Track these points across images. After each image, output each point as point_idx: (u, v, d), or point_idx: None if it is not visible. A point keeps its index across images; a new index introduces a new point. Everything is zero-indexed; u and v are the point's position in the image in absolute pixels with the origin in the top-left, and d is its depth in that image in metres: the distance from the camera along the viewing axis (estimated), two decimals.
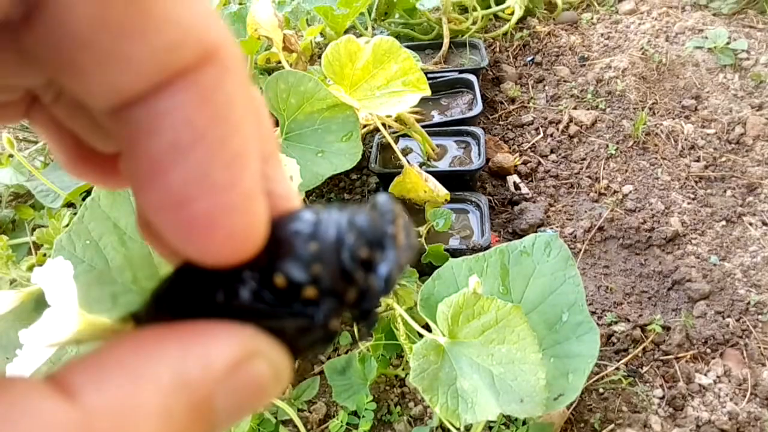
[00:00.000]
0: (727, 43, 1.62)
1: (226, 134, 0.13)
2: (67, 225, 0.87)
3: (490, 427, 0.86)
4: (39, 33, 0.11)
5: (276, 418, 0.87)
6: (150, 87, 0.12)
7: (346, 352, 0.96)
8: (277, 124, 0.93)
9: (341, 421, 0.86)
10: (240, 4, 1.30)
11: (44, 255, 1.04)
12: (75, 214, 0.93)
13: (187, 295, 0.15)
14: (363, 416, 0.86)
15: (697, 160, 1.35)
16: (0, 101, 0.14)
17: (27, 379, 0.11)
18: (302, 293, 0.14)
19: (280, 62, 1.03)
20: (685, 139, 1.41)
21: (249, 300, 0.14)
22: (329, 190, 1.31)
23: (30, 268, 0.99)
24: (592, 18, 1.84)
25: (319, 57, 0.96)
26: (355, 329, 0.95)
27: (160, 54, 0.11)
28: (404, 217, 0.16)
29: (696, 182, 1.31)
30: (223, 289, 0.14)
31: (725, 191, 1.29)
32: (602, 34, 1.76)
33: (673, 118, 1.46)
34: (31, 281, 0.63)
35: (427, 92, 0.98)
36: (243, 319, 0.14)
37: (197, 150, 0.12)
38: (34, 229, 1.16)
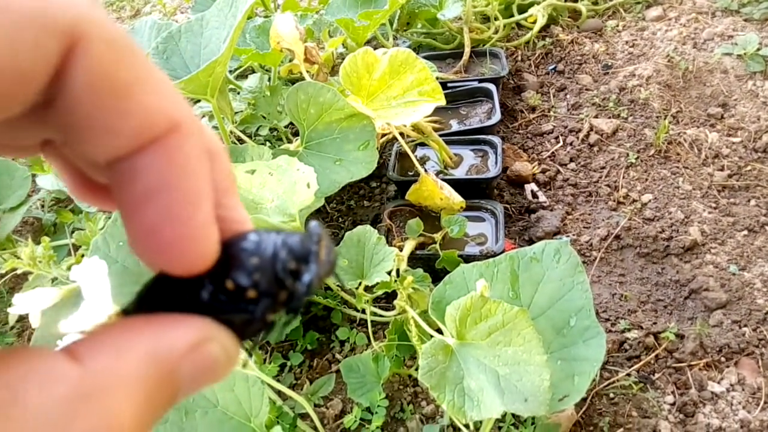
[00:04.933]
0: (758, 50, 1.60)
1: (185, 182, 0.18)
2: (103, 228, 0.94)
3: (500, 427, 0.88)
4: (57, 112, 0.16)
5: (294, 411, 0.91)
6: (131, 150, 0.17)
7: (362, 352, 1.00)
8: (297, 133, 0.98)
9: (355, 416, 0.90)
10: (266, 17, 1.36)
11: (82, 255, 1.11)
12: (110, 217, 0.99)
13: (162, 296, 0.20)
14: (376, 412, 0.90)
15: (721, 169, 1.34)
16: (24, 145, 0.19)
17: (49, 349, 0.16)
18: (246, 294, 0.19)
19: (302, 73, 1.08)
20: (709, 148, 1.40)
21: (207, 299, 0.19)
22: (349, 197, 1.35)
23: (69, 268, 1.06)
24: (617, 25, 1.83)
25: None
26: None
27: (138, 129, 0.17)
28: (328, 240, 0.21)
29: (719, 191, 1.30)
30: (188, 291, 0.19)
31: (749, 200, 1.27)
32: (627, 42, 1.76)
33: (698, 127, 1.45)
34: (70, 279, 0.69)
35: (443, 102, 1.01)
36: (203, 314, 0.19)
37: (164, 193, 0.17)
38: (73, 232, 1.24)
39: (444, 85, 1.41)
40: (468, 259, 1.02)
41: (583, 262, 1.16)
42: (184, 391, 0.18)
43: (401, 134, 1.15)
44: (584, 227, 1.25)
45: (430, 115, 1.03)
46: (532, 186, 1.34)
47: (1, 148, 0.19)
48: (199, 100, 1.00)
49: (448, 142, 1.26)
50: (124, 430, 0.16)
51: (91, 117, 0.16)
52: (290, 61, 1.11)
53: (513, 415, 0.88)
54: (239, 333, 0.20)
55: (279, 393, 0.93)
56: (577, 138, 1.45)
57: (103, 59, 0.16)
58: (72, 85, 0.16)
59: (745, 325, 1.01)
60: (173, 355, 0.17)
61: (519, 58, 1.75)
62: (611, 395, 0.94)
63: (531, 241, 1.22)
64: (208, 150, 0.19)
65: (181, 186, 0.18)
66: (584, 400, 0.94)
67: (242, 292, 0.19)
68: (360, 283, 0.92)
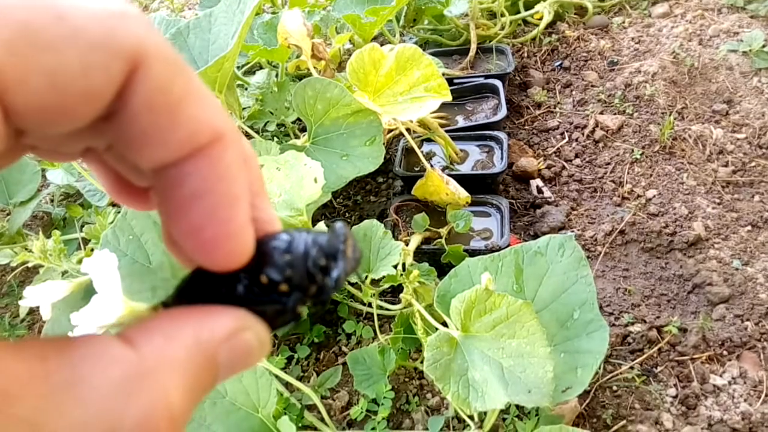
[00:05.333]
0: (763, 46, 1.60)
1: (226, 187, 0.19)
2: (112, 222, 0.95)
3: (504, 418, 0.89)
4: (112, 125, 0.18)
5: (301, 403, 0.92)
6: (179, 158, 0.19)
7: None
8: (304, 129, 0.99)
9: (362, 408, 0.91)
10: (273, 13, 1.37)
11: (92, 249, 1.13)
12: (119, 212, 1.01)
13: (200, 289, 0.22)
14: (382, 404, 0.91)
15: (726, 165, 1.35)
16: (70, 152, 0.21)
17: (104, 335, 0.18)
18: (278, 288, 0.21)
19: (309, 69, 1.09)
20: (714, 144, 1.40)
21: (242, 292, 0.21)
22: (356, 193, 1.36)
23: (79, 261, 1.07)
24: (623, 22, 1.83)
25: None
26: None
27: (187, 140, 0.18)
28: (353, 238, 0.22)
29: (723, 187, 1.30)
30: (225, 285, 0.21)
31: (753, 196, 1.28)
32: (633, 38, 1.76)
33: (703, 123, 1.46)
34: (81, 272, 0.70)
35: (449, 98, 1.02)
36: (238, 305, 0.21)
37: (207, 197, 0.19)
38: (82, 226, 1.26)
39: (450, 81, 1.42)
40: (473, 253, 1.03)
41: (588, 257, 1.17)
42: (221, 376, 0.20)
43: (407, 130, 1.16)
44: (589, 222, 1.26)
45: (436, 111, 1.04)
46: (538, 181, 1.35)
47: (49, 154, 0.20)
48: None
49: (454, 138, 1.27)
50: (173, 409, 0.17)
51: (145, 130, 0.18)
52: (298, 57, 1.12)
53: (517, 406, 0.90)
54: (270, 323, 0.22)
55: (286, 385, 0.95)
56: (583, 134, 1.45)
57: (161, 78, 0.17)
58: (132, 101, 0.17)
59: (748, 320, 1.02)
60: (214, 342, 0.19)
61: (525, 54, 1.75)
62: (614, 388, 0.95)
63: (536, 236, 1.22)
64: (244, 157, 0.21)
65: (222, 191, 0.19)
66: (588, 392, 0.95)
67: (275, 286, 0.21)
68: (366, 277, 0.93)
